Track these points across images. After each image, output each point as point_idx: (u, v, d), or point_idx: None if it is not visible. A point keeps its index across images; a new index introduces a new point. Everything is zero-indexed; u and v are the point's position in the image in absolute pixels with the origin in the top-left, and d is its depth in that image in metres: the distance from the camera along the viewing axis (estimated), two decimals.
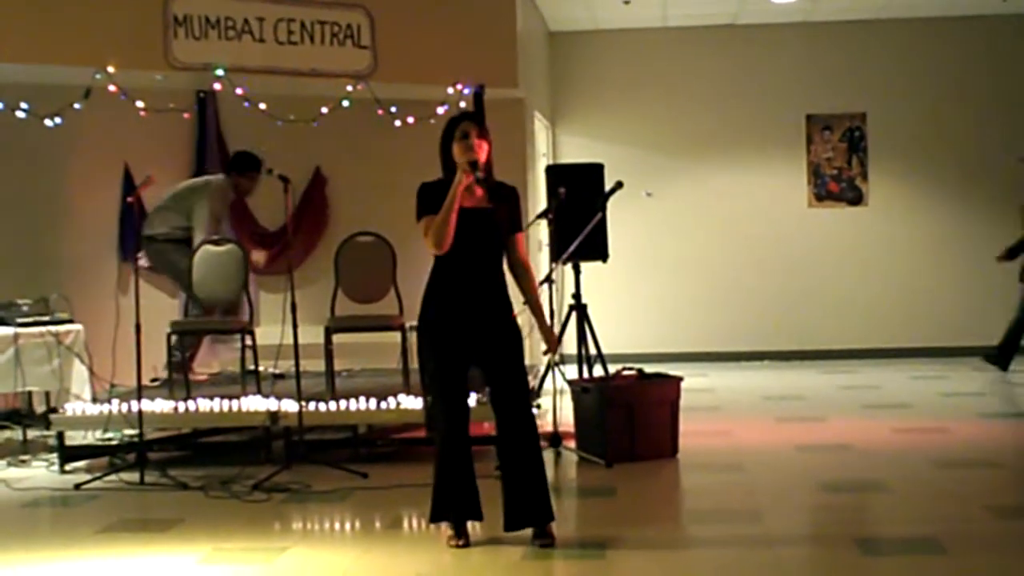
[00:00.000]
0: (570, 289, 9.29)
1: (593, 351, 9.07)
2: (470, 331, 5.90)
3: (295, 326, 7.77)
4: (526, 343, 6.16)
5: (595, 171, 9.30)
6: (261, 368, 9.15)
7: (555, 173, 9.61)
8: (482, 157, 5.93)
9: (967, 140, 13.84)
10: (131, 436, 8.27)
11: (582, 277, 9.35)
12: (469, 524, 6.07)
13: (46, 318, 9.16)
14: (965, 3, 13.24)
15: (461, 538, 5.99)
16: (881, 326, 13.81)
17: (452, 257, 5.89)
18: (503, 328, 5.94)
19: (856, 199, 13.98)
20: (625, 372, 8.39)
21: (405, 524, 6.75)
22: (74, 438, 8.58)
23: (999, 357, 12.05)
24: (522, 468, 5.92)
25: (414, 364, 9.35)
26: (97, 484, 7.72)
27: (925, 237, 13.88)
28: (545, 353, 6.27)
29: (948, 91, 13.86)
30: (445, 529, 6.05)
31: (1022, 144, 13.71)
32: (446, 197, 5.84)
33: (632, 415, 8.00)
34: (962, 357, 13.24)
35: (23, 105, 9.62)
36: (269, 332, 9.07)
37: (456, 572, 5.89)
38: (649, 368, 8.64)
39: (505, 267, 6.06)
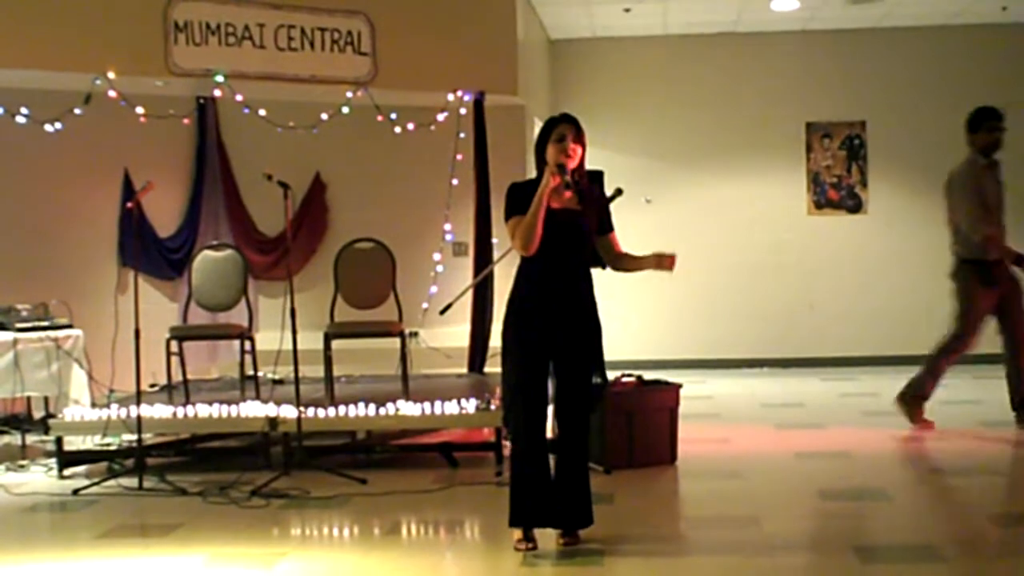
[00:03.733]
0: None
1: None
2: (552, 332, 5.84)
3: (294, 332, 7.77)
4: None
5: (595, 178, 9.30)
6: (260, 373, 9.16)
7: None
8: (574, 161, 5.87)
9: (966, 148, 13.81)
10: (130, 441, 8.27)
11: None
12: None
13: (45, 323, 9.17)
14: (965, 12, 13.25)
15: (530, 542, 5.90)
16: (880, 333, 13.81)
17: (538, 259, 5.83)
18: (584, 332, 5.89)
19: (855, 207, 13.99)
20: (624, 379, 8.38)
21: (404, 530, 6.74)
22: (73, 443, 8.57)
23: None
24: (570, 474, 5.93)
25: (413, 370, 9.41)
26: (96, 489, 7.71)
27: (924, 245, 13.85)
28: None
29: (947, 99, 13.85)
30: (514, 532, 5.97)
31: (1020, 150, 13.72)
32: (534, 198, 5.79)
33: (631, 422, 8.00)
34: (961, 365, 13.20)
35: (23, 110, 9.65)
36: (268, 337, 9.09)
37: None
38: (648, 375, 8.64)
39: (595, 270, 6.05)
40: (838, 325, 13.87)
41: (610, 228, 6.06)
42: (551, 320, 5.83)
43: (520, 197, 5.86)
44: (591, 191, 6.02)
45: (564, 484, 5.94)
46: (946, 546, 5.88)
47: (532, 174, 11.82)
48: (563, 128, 5.90)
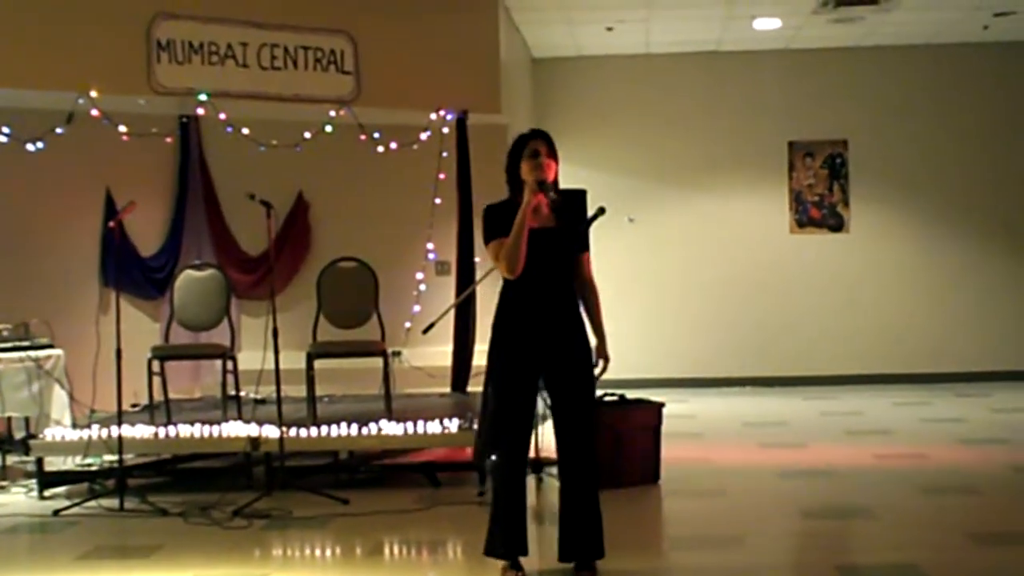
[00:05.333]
0: None
1: None
2: (539, 354, 5.76)
3: (276, 351, 7.74)
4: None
5: (578, 197, 9.31)
6: (243, 393, 9.13)
7: None
8: (550, 176, 5.77)
9: (948, 167, 13.90)
10: (111, 462, 8.22)
11: None
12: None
13: (26, 343, 9.12)
14: (946, 31, 13.32)
15: (516, 571, 5.78)
16: (863, 352, 13.84)
17: (521, 279, 5.74)
18: (574, 352, 5.79)
19: (837, 226, 14.03)
20: (607, 398, 8.38)
21: (386, 550, 6.72)
22: (54, 464, 8.52)
23: None
24: (576, 501, 5.79)
25: (396, 389, 9.39)
26: (76, 510, 7.68)
27: (906, 264, 13.92)
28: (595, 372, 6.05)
29: (929, 118, 13.93)
30: (499, 563, 5.84)
31: (1003, 170, 13.80)
32: (514, 218, 5.71)
33: (617, 440, 7.99)
34: (943, 383, 13.28)
35: (4, 129, 9.64)
36: (251, 357, 9.08)
37: None
38: (630, 394, 8.64)
39: None
40: (820, 344, 13.89)
41: (583, 248, 5.91)
42: (537, 340, 5.76)
43: (498, 219, 5.80)
44: (567, 207, 5.88)
45: (573, 513, 5.80)
46: (928, 565, 5.88)
47: None
48: (535, 144, 5.80)
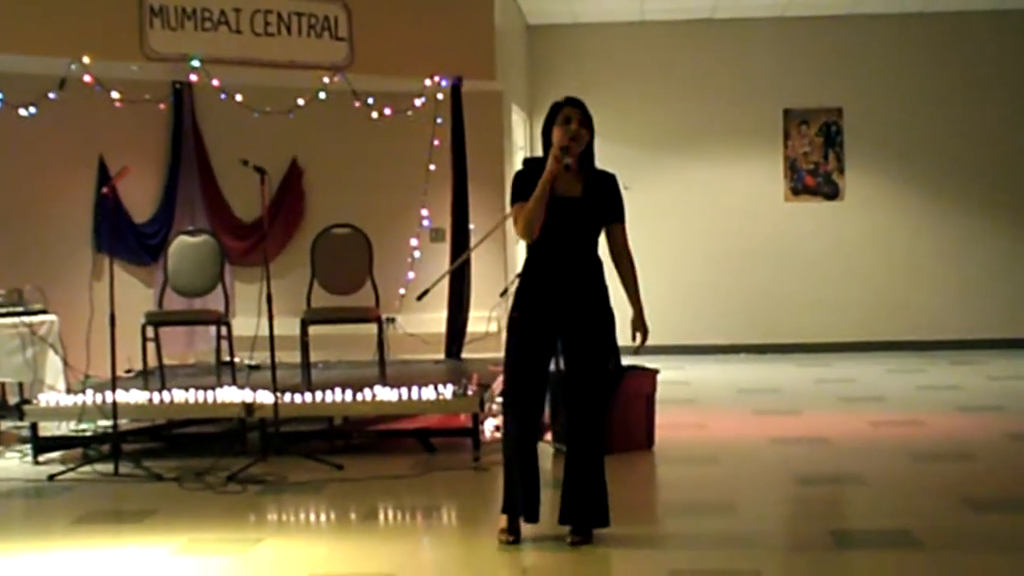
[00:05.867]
0: None
1: None
2: (556, 319, 5.78)
3: (271, 317, 7.74)
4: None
5: (607, 178, 9.27)
6: (236, 359, 9.13)
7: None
8: (582, 145, 5.77)
9: (943, 135, 13.87)
10: (105, 427, 8.23)
11: None
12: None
13: (20, 309, 9.10)
14: None
15: (513, 534, 5.81)
16: (857, 319, 13.84)
17: (542, 246, 5.76)
18: (590, 321, 5.81)
19: (832, 194, 14.00)
20: None
21: (380, 516, 6.73)
22: (48, 429, 8.52)
23: None
24: (582, 467, 5.81)
25: (390, 356, 9.40)
26: (71, 475, 7.69)
27: (901, 231, 13.91)
28: (635, 342, 6.04)
29: (924, 86, 13.89)
30: (499, 520, 5.88)
31: (998, 139, 13.78)
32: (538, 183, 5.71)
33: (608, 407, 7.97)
34: (939, 351, 13.29)
35: None
36: (245, 323, 9.07)
37: (433, 563, 5.92)
38: (625, 361, 8.63)
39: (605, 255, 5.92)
40: (815, 311, 13.89)
41: (619, 217, 5.92)
42: (554, 306, 5.77)
43: (525, 182, 5.78)
44: (599, 177, 5.89)
45: (576, 479, 5.83)
46: (922, 531, 5.90)
47: (509, 160, 11.88)
48: (568, 111, 5.80)
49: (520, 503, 5.82)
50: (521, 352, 5.80)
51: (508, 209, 6.01)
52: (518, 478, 5.81)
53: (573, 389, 5.85)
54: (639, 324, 5.91)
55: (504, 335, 5.96)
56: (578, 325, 5.80)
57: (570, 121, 5.78)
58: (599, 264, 5.88)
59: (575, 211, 5.79)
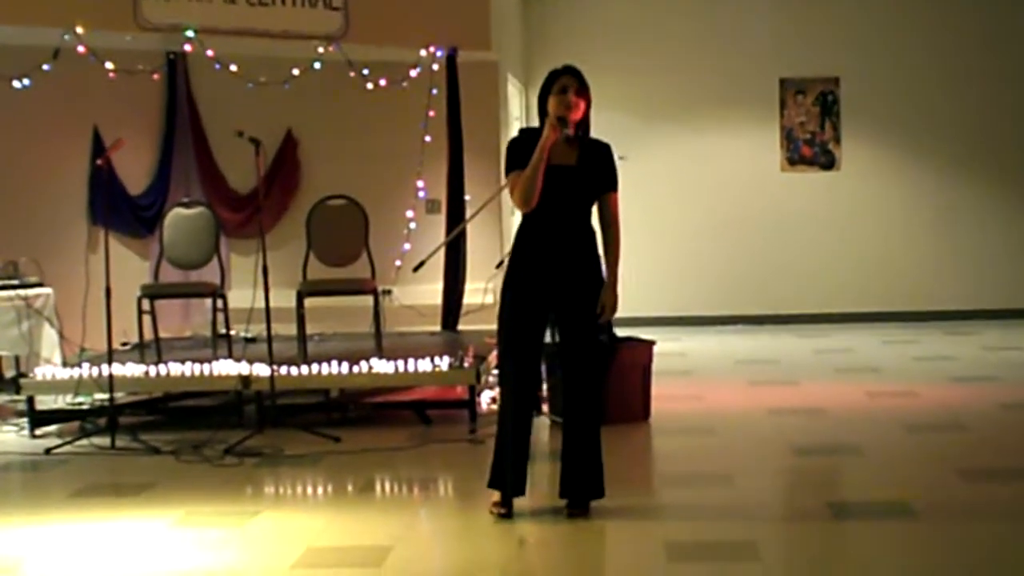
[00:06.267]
0: None
1: None
2: (550, 289, 5.76)
3: (267, 289, 7.72)
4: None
5: (602, 148, 9.24)
6: (232, 332, 9.12)
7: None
8: (577, 115, 5.73)
9: (940, 105, 13.83)
10: (102, 400, 8.22)
11: None
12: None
13: (15, 282, 9.09)
14: None
15: (505, 507, 5.79)
16: (853, 290, 13.83)
17: (537, 215, 5.73)
18: (584, 291, 5.78)
19: (829, 164, 13.98)
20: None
21: (377, 488, 6.74)
22: (44, 402, 8.50)
23: None
24: (579, 440, 5.82)
25: (386, 328, 9.39)
26: (68, 449, 7.68)
27: (897, 201, 13.89)
28: (599, 314, 6.02)
29: (921, 56, 13.84)
30: (492, 494, 5.87)
31: (996, 109, 13.74)
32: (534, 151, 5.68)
33: (604, 379, 7.98)
34: (933, 321, 13.29)
35: None
36: (241, 295, 9.06)
37: (430, 534, 5.94)
38: (622, 332, 8.63)
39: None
40: (811, 281, 13.88)
41: (612, 187, 5.87)
42: (548, 276, 5.75)
43: (521, 151, 5.75)
44: (593, 146, 5.87)
45: (574, 451, 5.83)
46: (918, 502, 5.91)
47: (505, 131, 11.83)
48: (565, 80, 5.77)
49: (510, 476, 5.80)
50: (515, 324, 5.79)
51: (504, 180, 5.99)
52: (510, 452, 5.80)
53: (569, 360, 5.84)
54: (609, 296, 5.84)
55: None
56: (572, 296, 5.78)
57: (567, 91, 5.75)
58: (593, 234, 5.86)
59: (570, 180, 5.76)
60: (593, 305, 5.79)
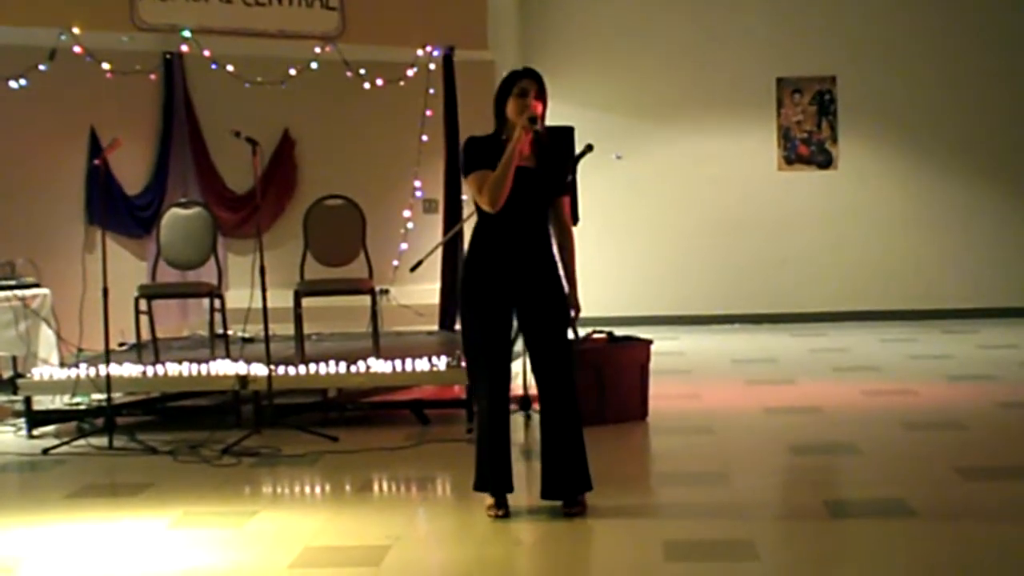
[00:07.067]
0: None
1: None
2: (514, 292, 5.77)
3: (264, 289, 7.72)
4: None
5: (565, 134, 9.28)
6: (230, 332, 9.12)
7: None
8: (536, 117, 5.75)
9: (937, 104, 13.83)
10: (99, 401, 8.22)
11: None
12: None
13: (12, 282, 9.08)
14: None
15: (501, 508, 5.80)
16: (850, 289, 13.83)
17: (498, 216, 5.73)
18: (547, 290, 5.81)
19: (826, 163, 13.98)
20: (595, 335, 8.38)
21: (375, 487, 6.75)
22: (42, 403, 8.51)
23: None
24: (558, 438, 5.80)
25: (384, 327, 9.39)
26: (65, 449, 7.68)
27: (894, 201, 13.89)
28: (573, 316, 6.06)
29: (918, 54, 13.84)
30: (485, 498, 5.87)
31: (992, 107, 13.75)
32: (501, 153, 5.68)
33: (601, 377, 7.99)
34: (931, 320, 13.30)
35: None
36: (238, 295, 9.06)
37: (428, 534, 5.94)
38: (620, 331, 8.64)
39: None
40: (808, 281, 13.88)
41: (561, 192, 5.91)
42: (511, 277, 5.77)
43: (481, 152, 5.77)
44: (551, 149, 5.90)
45: (556, 449, 5.81)
46: (915, 500, 5.91)
47: None
48: (525, 83, 5.78)
49: (493, 476, 5.81)
50: (484, 326, 5.80)
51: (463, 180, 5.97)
52: (487, 451, 5.81)
53: (541, 360, 5.85)
54: (574, 302, 5.90)
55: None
56: (536, 295, 5.81)
57: (526, 94, 5.76)
58: (548, 235, 5.88)
59: (530, 181, 5.78)
60: (557, 303, 5.82)
